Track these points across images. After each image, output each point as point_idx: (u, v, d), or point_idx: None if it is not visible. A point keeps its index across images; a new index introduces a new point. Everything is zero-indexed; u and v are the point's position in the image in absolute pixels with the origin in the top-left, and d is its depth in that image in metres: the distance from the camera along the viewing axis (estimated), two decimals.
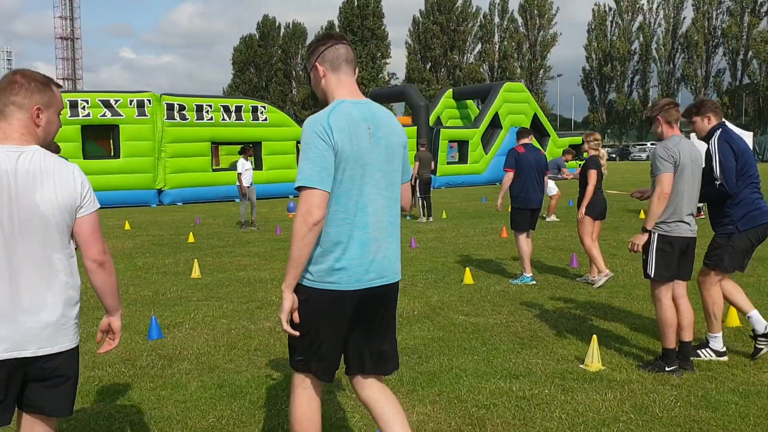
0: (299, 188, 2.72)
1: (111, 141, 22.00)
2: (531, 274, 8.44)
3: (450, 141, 29.74)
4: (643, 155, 65.88)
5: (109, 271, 2.69)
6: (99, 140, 21.99)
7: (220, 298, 7.73)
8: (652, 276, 4.91)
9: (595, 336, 5.18)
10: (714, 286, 5.25)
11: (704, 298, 5.31)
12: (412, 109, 30.16)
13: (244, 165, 14.81)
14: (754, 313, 5.26)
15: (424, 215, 16.19)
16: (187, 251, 11.68)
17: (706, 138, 5.27)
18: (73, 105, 20.61)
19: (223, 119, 23.63)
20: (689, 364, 4.97)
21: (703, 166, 5.05)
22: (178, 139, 22.55)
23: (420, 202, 16.33)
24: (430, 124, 30.00)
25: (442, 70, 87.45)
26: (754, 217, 5.11)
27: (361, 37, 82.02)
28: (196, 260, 9.54)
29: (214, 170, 23.81)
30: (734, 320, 6.15)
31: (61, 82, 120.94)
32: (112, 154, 21.98)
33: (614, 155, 66.52)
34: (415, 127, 28.63)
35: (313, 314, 2.81)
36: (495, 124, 30.91)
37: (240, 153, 15.22)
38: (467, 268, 8.76)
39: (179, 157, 22.61)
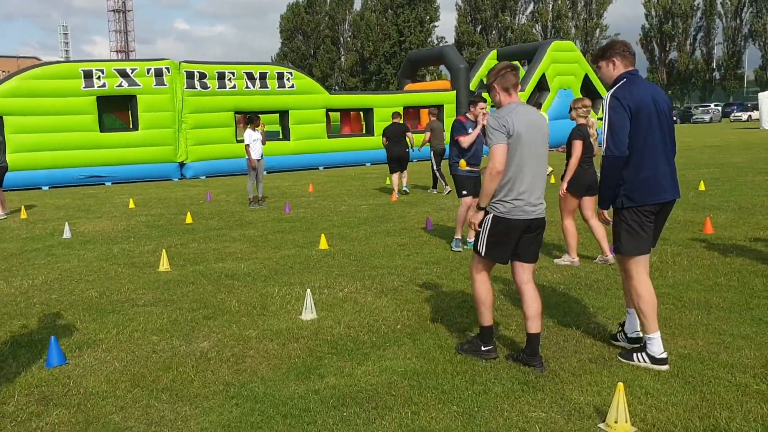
0: None
1: (129, 112, 20.95)
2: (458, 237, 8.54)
3: (492, 106, 27.73)
4: (706, 117, 62.20)
5: None
6: (116, 112, 20.98)
7: (170, 302, 6.37)
8: (482, 254, 4.48)
9: (621, 385, 3.58)
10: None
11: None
12: (450, 72, 28.25)
13: (252, 136, 13.44)
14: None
15: (447, 185, 14.71)
16: (177, 235, 10.42)
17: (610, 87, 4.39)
18: (88, 75, 19.54)
19: (247, 87, 22.29)
20: (538, 361, 4.38)
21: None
22: (199, 109, 21.34)
23: (434, 174, 14.95)
24: (472, 87, 28.06)
25: (493, 32, 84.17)
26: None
27: (409, 0, 79.39)
28: (164, 250, 8.21)
29: (238, 141, 22.53)
30: None
31: (114, 55, 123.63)
32: (131, 126, 20.93)
33: (675, 118, 63.02)
34: (455, 91, 26.78)
35: None
36: (542, 86, 28.75)
37: (247, 123, 13.84)
38: None
39: (201, 128, 21.41)
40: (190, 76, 21.20)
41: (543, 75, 28.48)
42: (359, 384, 4.22)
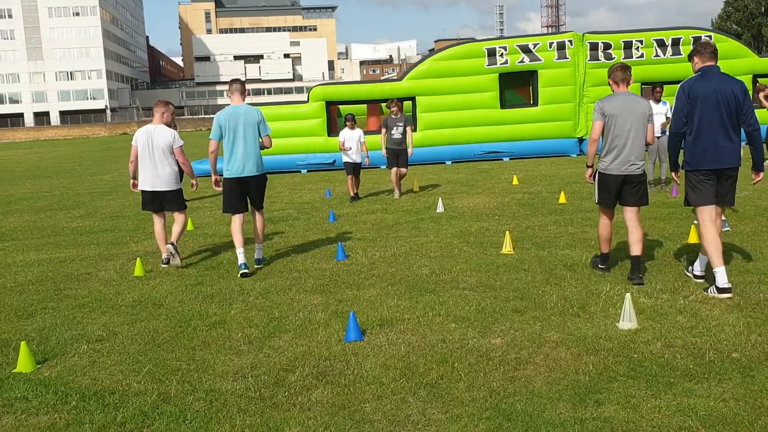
0: (210, 139, 7.34)
1: (530, 88, 21.11)
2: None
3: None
4: None
5: None
6: (518, 88, 21.32)
7: (490, 288, 6.10)
8: (596, 201, 6.43)
9: None
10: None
11: None
12: None
13: (654, 108, 12.33)
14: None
15: None
16: (542, 215, 10.08)
17: None
18: (491, 53, 20.22)
19: (656, 55, 20.51)
20: (636, 275, 5.97)
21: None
22: (601, 82, 20.32)
23: None
24: None
25: None
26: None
27: None
28: (507, 232, 7.95)
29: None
30: None
31: (545, 30, 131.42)
32: (531, 102, 21.09)
33: None
34: None
35: (225, 186, 7.30)
36: None
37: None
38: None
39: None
40: (593, 47, 20.39)
41: None
42: (638, 422, 3.39)
